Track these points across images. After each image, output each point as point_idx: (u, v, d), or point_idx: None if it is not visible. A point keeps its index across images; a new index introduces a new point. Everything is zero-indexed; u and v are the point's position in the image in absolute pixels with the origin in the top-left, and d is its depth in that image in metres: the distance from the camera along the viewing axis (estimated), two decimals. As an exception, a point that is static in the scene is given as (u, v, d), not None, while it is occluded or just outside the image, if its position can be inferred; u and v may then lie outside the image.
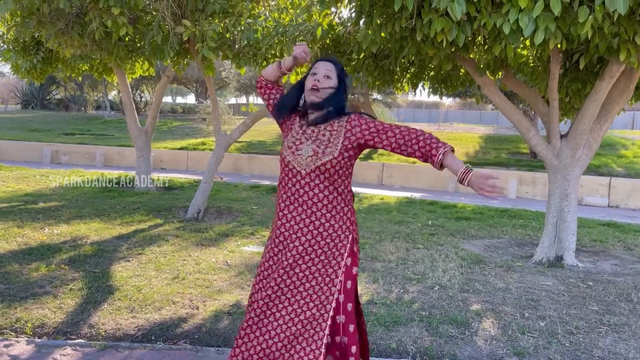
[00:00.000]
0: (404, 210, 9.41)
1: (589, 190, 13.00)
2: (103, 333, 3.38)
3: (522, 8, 3.81)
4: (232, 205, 9.06)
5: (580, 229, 8.30)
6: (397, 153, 2.11)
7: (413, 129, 2.15)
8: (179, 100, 56.84)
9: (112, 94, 40.39)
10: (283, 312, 2.13)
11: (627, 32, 4.38)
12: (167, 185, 11.52)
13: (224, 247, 5.94)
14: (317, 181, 2.14)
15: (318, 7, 5.67)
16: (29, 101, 35.42)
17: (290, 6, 6.80)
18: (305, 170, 2.14)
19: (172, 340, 3.31)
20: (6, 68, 37.44)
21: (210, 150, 18.03)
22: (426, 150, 2.03)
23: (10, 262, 4.80)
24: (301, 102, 2.30)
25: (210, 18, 6.89)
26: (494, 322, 3.90)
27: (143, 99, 35.21)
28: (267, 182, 13.10)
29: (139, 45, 7.72)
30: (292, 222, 2.17)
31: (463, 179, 1.97)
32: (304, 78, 2.31)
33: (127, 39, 7.52)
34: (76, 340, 3.21)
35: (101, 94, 38.63)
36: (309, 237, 2.15)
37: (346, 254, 2.17)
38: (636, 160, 15.14)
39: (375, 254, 5.90)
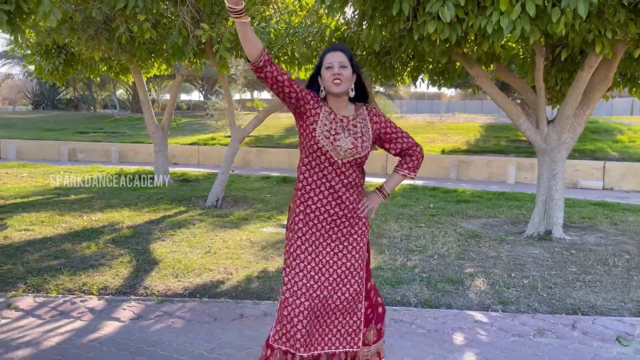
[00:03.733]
0: (407, 196, 10.05)
1: (584, 174, 13.61)
2: (156, 292, 4.06)
3: (502, 11, 4.44)
4: (247, 195, 9.72)
5: (572, 208, 8.94)
6: (391, 154, 2.50)
7: (412, 141, 2.45)
8: (183, 97, 57.42)
9: (119, 92, 41.16)
10: (330, 288, 2.33)
11: (599, 29, 5.00)
12: (183, 178, 12.20)
13: (245, 229, 6.61)
14: (350, 170, 2.34)
15: (325, 12, 6.29)
16: (40, 102, 36.22)
17: (299, 9, 7.42)
18: (342, 160, 2.31)
19: (215, 298, 3.99)
20: (15, 70, 38.13)
21: (220, 145, 18.72)
22: (409, 165, 2.48)
23: (63, 242, 5.51)
24: (322, 94, 2.38)
25: (225, 21, 7.53)
26: (484, 281, 4.56)
27: (150, 97, 35.92)
28: (276, 174, 13.76)
29: (158, 47, 8.36)
30: (332, 206, 2.33)
31: (386, 195, 2.47)
32: (316, 72, 2.40)
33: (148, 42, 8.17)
34: (138, 297, 3.89)
35: (108, 93, 39.40)
36: (347, 219, 2.35)
37: (367, 230, 2.45)
38: (631, 145, 15.70)
39: (381, 232, 6.55)
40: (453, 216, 7.91)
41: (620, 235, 6.84)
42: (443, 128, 21.07)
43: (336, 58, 2.31)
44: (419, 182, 12.59)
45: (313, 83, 2.42)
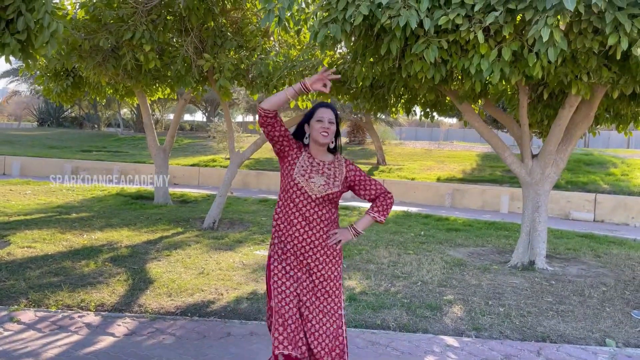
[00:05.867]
0: (399, 222, 10.30)
1: (576, 206, 13.86)
2: (150, 310, 4.31)
3: (482, 54, 4.77)
4: (244, 217, 9.99)
5: (559, 239, 9.19)
6: (365, 200, 2.92)
7: (383, 189, 2.84)
8: (187, 117, 58.08)
9: (123, 112, 41.74)
10: (316, 314, 2.69)
11: (574, 72, 5.33)
12: (182, 199, 12.48)
13: (239, 251, 6.86)
14: (322, 205, 2.74)
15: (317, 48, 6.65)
16: (45, 119, 36.79)
17: (297, 43, 7.80)
18: (315, 195, 2.72)
19: (205, 317, 4.23)
20: (22, 87, 38.81)
21: (221, 166, 19.04)
22: (379, 209, 2.84)
23: (64, 260, 5.77)
24: (306, 140, 2.85)
25: (227, 51, 7.92)
26: (461, 308, 4.79)
27: (154, 117, 36.47)
28: (274, 197, 14.02)
29: (163, 74, 8.73)
30: (305, 236, 2.71)
31: (356, 233, 2.81)
32: (305, 119, 2.85)
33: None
34: (133, 314, 4.13)
35: (113, 112, 39.95)
36: (323, 247, 2.73)
37: (340, 259, 2.83)
38: (623, 178, 15.98)
39: (370, 258, 6.80)
40: (442, 244, 8.15)
41: (602, 267, 7.07)
42: (440, 156, 21.40)
43: (327, 115, 2.78)
44: (413, 209, 12.85)
45: (299, 130, 2.88)
